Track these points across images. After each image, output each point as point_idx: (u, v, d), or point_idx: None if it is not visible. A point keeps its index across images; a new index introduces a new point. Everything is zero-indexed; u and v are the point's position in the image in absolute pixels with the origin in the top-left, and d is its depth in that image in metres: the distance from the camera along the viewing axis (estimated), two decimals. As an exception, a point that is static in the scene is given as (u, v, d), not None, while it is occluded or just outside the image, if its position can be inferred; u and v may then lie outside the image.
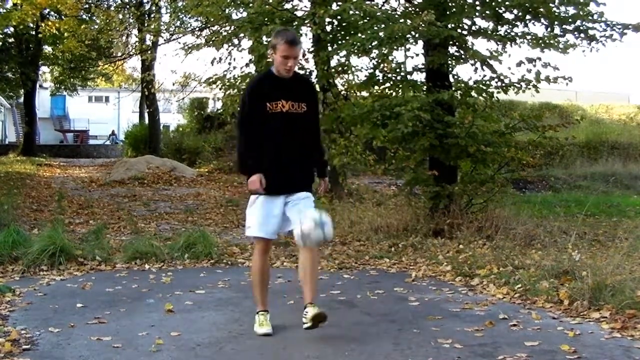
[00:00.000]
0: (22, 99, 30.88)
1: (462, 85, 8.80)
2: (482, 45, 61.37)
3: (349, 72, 10.45)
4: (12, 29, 22.88)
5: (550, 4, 8.42)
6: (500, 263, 5.96)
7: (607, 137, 22.28)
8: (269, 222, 4.07)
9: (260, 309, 4.18)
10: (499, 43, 8.68)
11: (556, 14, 8.61)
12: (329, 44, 9.39)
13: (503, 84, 8.65)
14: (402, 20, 8.21)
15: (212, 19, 11.10)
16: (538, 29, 9.20)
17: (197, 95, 25.26)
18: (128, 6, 22.49)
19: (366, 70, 9.51)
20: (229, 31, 10.46)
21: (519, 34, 8.75)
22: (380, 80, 9.06)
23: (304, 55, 9.43)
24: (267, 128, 4.08)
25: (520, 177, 11.08)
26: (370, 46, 8.38)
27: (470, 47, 8.55)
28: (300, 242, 4.00)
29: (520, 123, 8.77)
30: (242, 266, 6.49)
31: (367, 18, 8.31)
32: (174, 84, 23.70)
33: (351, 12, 8.40)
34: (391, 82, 9.04)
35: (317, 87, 9.25)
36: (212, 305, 4.84)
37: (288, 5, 10.11)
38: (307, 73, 9.58)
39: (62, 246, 6.26)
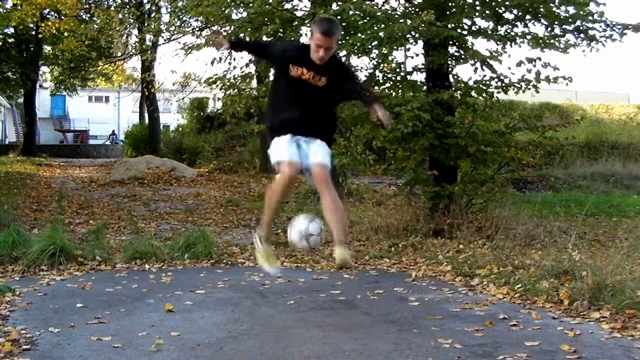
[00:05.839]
0: (22, 99, 30.86)
1: (462, 85, 8.80)
2: (482, 45, 61.46)
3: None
4: (12, 29, 22.85)
5: (550, 4, 8.41)
6: (500, 263, 5.95)
7: (607, 137, 22.28)
8: (290, 149, 4.20)
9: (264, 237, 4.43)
10: (499, 43, 8.68)
11: (556, 14, 8.61)
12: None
13: (503, 84, 8.65)
14: (402, 20, 8.20)
15: (212, 19, 11.08)
16: (538, 29, 9.22)
17: (197, 95, 25.32)
18: (128, 6, 22.47)
19: (366, 70, 9.50)
20: (229, 31, 10.44)
21: (519, 34, 8.75)
22: (380, 80, 9.05)
23: None
24: (285, 86, 4.35)
25: (520, 177, 11.06)
26: (370, 46, 8.37)
27: (470, 47, 8.54)
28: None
29: (520, 123, 8.77)
30: (242, 266, 6.49)
31: (367, 18, 8.29)
32: (174, 84, 23.78)
33: (351, 12, 8.39)
34: (391, 82, 9.03)
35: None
36: (212, 305, 4.83)
37: (288, 5, 10.09)
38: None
39: (62, 246, 6.25)
